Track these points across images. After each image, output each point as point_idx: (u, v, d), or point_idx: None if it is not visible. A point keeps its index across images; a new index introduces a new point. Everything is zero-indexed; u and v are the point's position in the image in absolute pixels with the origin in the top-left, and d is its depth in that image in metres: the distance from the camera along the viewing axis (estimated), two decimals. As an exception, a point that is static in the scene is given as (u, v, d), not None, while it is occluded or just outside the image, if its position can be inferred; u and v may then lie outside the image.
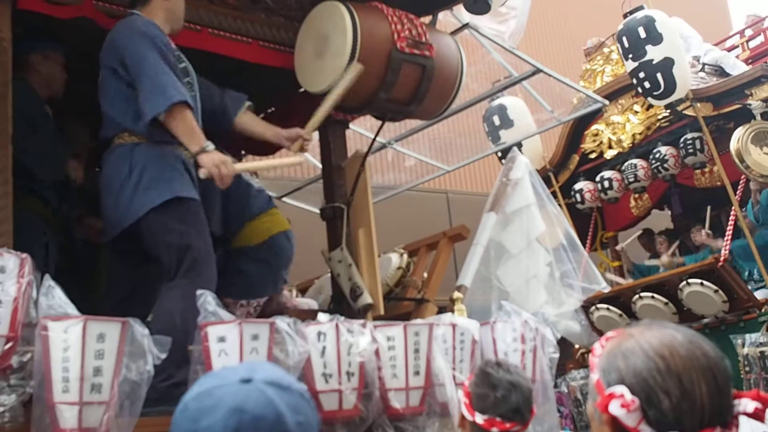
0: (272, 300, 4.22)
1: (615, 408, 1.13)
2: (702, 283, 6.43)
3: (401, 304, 4.51)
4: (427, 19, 4.25)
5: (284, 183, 6.57)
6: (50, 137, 3.72)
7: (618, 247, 8.56)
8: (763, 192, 6.96)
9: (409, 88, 3.86)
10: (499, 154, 7.81)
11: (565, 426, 7.08)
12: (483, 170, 10.48)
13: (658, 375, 1.14)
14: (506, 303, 3.65)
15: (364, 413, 2.98)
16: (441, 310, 4.07)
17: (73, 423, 2.31)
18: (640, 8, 7.05)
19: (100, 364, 2.38)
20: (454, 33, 4.62)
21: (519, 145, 5.92)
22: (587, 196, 8.26)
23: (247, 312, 3.93)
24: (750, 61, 8.48)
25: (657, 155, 7.56)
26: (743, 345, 6.00)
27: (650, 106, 7.59)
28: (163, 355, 2.49)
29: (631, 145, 7.90)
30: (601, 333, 6.15)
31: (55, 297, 2.39)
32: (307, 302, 4.69)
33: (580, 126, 8.35)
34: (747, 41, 9.09)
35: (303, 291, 5.49)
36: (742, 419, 1.14)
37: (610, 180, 8.03)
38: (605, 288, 5.21)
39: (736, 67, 7.59)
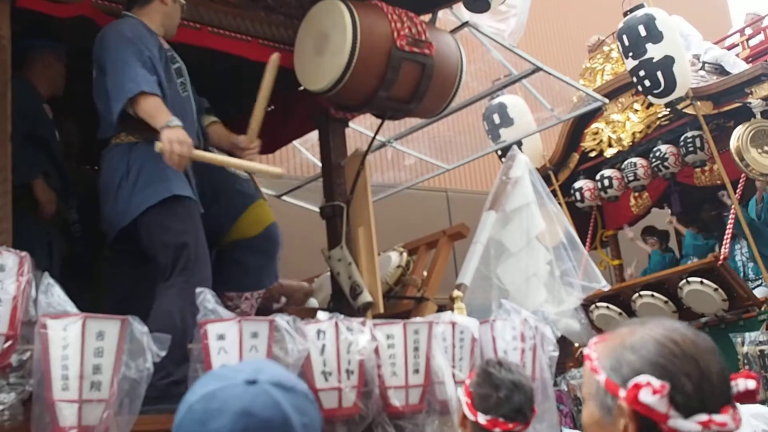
0: (273, 290, 4.22)
1: (646, 396, 1.11)
2: (702, 282, 6.44)
3: (401, 302, 4.51)
4: (426, 18, 4.25)
5: (284, 181, 6.56)
6: (50, 136, 3.73)
7: (629, 234, 8.55)
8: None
9: (408, 86, 3.86)
10: (499, 152, 7.80)
11: (565, 424, 7.07)
12: (483, 169, 10.47)
13: (676, 359, 1.15)
14: (506, 301, 3.65)
15: (364, 411, 2.98)
16: (441, 308, 4.08)
17: (73, 421, 2.31)
18: (641, 6, 7.04)
19: (100, 362, 2.38)
20: (454, 31, 4.62)
21: (519, 143, 5.93)
22: (587, 194, 8.25)
23: (251, 305, 3.93)
24: (750, 59, 8.48)
25: (657, 154, 7.56)
26: (743, 343, 6.00)
27: (650, 104, 7.58)
28: (163, 353, 2.49)
29: (631, 143, 7.89)
30: (600, 331, 6.15)
31: (55, 295, 2.39)
32: (301, 285, 4.69)
33: (580, 124, 8.35)
34: (747, 39, 9.09)
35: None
36: (743, 419, 1.15)
37: (610, 178, 8.03)
38: (605, 286, 5.20)
39: (736, 65, 7.58)
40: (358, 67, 3.62)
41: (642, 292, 6.83)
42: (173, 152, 2.94)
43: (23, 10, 3.22)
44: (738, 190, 7.04)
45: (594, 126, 8.23)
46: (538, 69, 4.99)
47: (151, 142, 3.12)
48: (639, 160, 7.79)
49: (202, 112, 3.67)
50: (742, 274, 7.11)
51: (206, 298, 2.68)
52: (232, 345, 2.64)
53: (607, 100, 6.85)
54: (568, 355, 7.47)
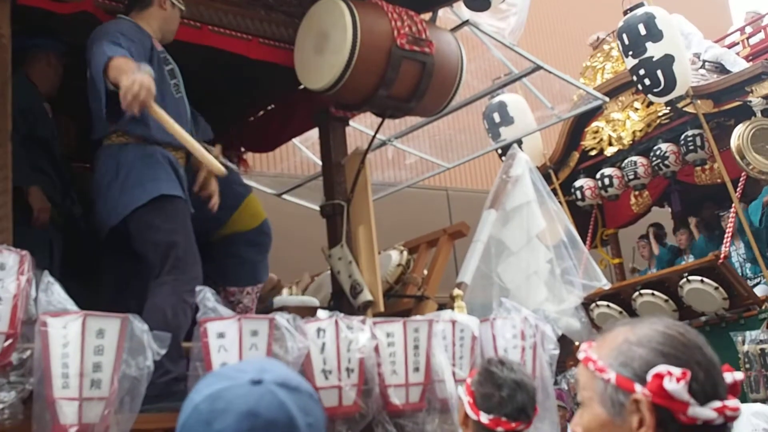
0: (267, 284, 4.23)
1: (671, 384, 1.11)
2: (702, 280, 6.43)
3: (401, 301, 4.51)
4: (427, 16, 4.25)
5: (284, 180, 6.57)
6: (50, 135, 3.73)
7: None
8: None
9: (409, 85, 3.86)
10: (500, 151, 7.79)
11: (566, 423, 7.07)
12: (483, 167, 10.46)
13: (685, 348, 1.16)
14: (506, 300, 3.65)
15: (364, 409, 2.99)
16: (441, 307, 4.07)
17: (73, 419, 2.32)
18: (641, 5, 7.03)
19: (100, 360, 2.38)
20: (454, 30, 4.61)
21: (519, 142, 5.91)
22: (587, 193, 8.25)
23: (252, 299, 3.94)
24: (750, 58, 8.47)
25: (657, 152, 7.55)
26: (743, 342, 6.00)
27: (650, 103, 7.58)
28: (163, 351, 2.50)
29: (631, 142, 7.89)
30: (600, 330, 6.15)
31: (54, 293, 2.39)
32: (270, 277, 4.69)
33: (580, 123, 8.34)
34: (747, 38, 9.08)
35: (303, 288, 5.49)
36: (743, 419, 1.16)
37: (610, 177, 8.02)
38: (605, 285, 5.19)
39: (737, 64, 7.58)
40: (359, 65, 3.62)
41: (642, 291, 6.83)
42: (133, 93, 2.73)
43: (23, 7, 3.22)
44: (738, 189, 7.03)
45: (594, 124, 8.23)
46: (538, 67, 4.99)
47: (141, 143, 3.14)
48: (639, 159, 7.79)
49: (201, 128, 3.67)
50: (740, 274, 7.10)
51: (206, 296, 2.68)
52: (232, 343, 2.64)
53: (607, 99, 6.83)
54: (569, 353, 7.46)
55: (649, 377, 1.13)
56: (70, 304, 2.40)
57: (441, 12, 4.52)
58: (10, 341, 2.31)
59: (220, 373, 1.14)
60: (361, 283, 3.80)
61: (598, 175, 8.16)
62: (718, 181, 7.34)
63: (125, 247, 3.21)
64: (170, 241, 3.08)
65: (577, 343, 7.40)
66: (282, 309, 3.85)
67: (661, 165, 7.56)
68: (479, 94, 5.66)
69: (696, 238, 8.05)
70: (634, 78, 7.01)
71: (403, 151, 6.47)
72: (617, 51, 7.78)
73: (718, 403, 1.13)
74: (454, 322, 3.36)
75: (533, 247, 4.77)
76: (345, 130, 4.35)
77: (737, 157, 6.76)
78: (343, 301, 3.88)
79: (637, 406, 1.14)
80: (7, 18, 3.11)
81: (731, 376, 1.17)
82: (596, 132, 8.22)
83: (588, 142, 8.29)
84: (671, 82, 6.76)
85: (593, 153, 8.26)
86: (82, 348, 2.34)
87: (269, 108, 4.80)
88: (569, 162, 8.54)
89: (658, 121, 7.74)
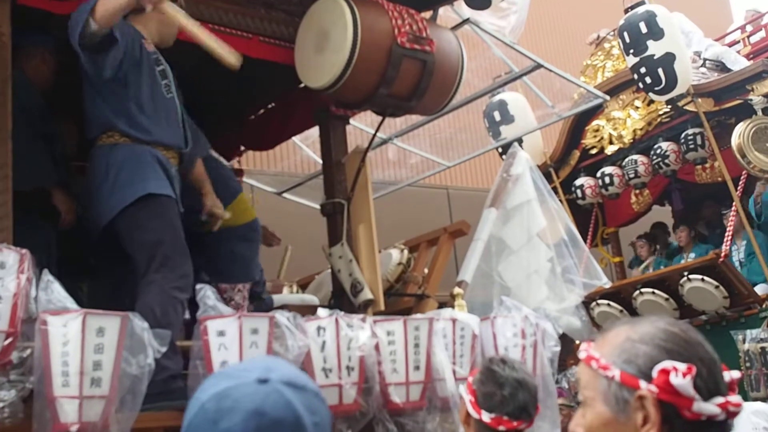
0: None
1: (677, 379, 1.11)
2: (703, 279, 6.43)
3: (402, 299, 4.51)
4: (427, 15, 4.25)
5: (284, 179, 6.57)
6: (53, 132, 3.73)
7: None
8: (765, 193, 6.96)
9: (409, 83, 3.86)
10: (500, 149, 7.79)
11: (567, 421, 7.07)
12: (483, 166, 10.46)
13: (688, 345, 1.16)
14: (507, 298, 3.65)
15: (365, 408, 2.98)
16: (442, 305, 4.07)
17: (74, 417, 2.32)
18: (641, 3, 7.03)
19: (100, 358, 2.38)
20: (454, 28, 4.61)
21: (519, 140, 5.92)
22: (588, 191, 8.25)
23: (243, 296, 3.94)
24: (751, 56, 8.46)
25: (658, 151, 7.55)
26: (744, 341, 6.00)
27: (651, 101, 7.57)
28: (164, 349, 2.50)
29: (631, 140, 7.89)
30: (601, 329, 6.15)
31: (54, 291, 2.39)
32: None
33: (580, 121, 8.34)
34: (748, 36, 9.07)
35: (303, 287, 5.49)
36: (743, 418, 1.16)
37: (610, 176, 8.02)
38: (606, 283, 5.19)
39: (738, 62, 7.57)
40: (359, 64, 3.62)
41: (643, 290, 6.83)
42: None
43: (22, 7, 3.22)
44: (739, 188, 7.03)
45: (595, 123, 8.23)
46: (538, 66, 4.98)
47: (131, 143, 3.16)
48: (640, 158, 7.78)
49: (202, 143, 3.69)
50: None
51: (206, 294, 2.68)
52: (232, 341, 2.64)
53: (608, 97, 6.82)
54: (569, 352, 7.46)
55: (654, 373, 1.13)
56: (70, 303, 2.40)
57: (441, 10, 4.52)
58: (10, 340, 2.31)
59: (227, 372, 1.14)
60: (361, 282, 3.80)
61: (598, 174, 8.15)
62: (719, 179, 7.34)
63: (118, 247, 3.22)
64: (157, 239, 3.09)
65: (577, 342, 7.41)
66: (282, 307, 3.86)
67: (661, 163, 7.56)
68: (480, 93, 5.66)
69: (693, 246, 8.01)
70: (635, 76, 7.00)
71: (403, 149, 6.47)
72: (618, 49, 7.77)
73: (721, 399, 1.13)
74: (454, 321, 3.36)
75: (534, 246, 4.77)
76: (345, 129, 4.35)
77: (738, 156, 6.75)
78: (343, 299, 3.88)
79: (642, 402, 1.14)
80: (7, 17, 3.11)
81: (728, 375, 1.18)
82: (597, 130, 8.21)
83: (588, 140, 8.29)
84: (672, 81, 6.76)
85: (594, 151, 8.25)
86: (82, 346, 2.34)
87: (270, 106, 4.80)
88: (570, 160, 8.53)
89: (658, 120, 7.73)
